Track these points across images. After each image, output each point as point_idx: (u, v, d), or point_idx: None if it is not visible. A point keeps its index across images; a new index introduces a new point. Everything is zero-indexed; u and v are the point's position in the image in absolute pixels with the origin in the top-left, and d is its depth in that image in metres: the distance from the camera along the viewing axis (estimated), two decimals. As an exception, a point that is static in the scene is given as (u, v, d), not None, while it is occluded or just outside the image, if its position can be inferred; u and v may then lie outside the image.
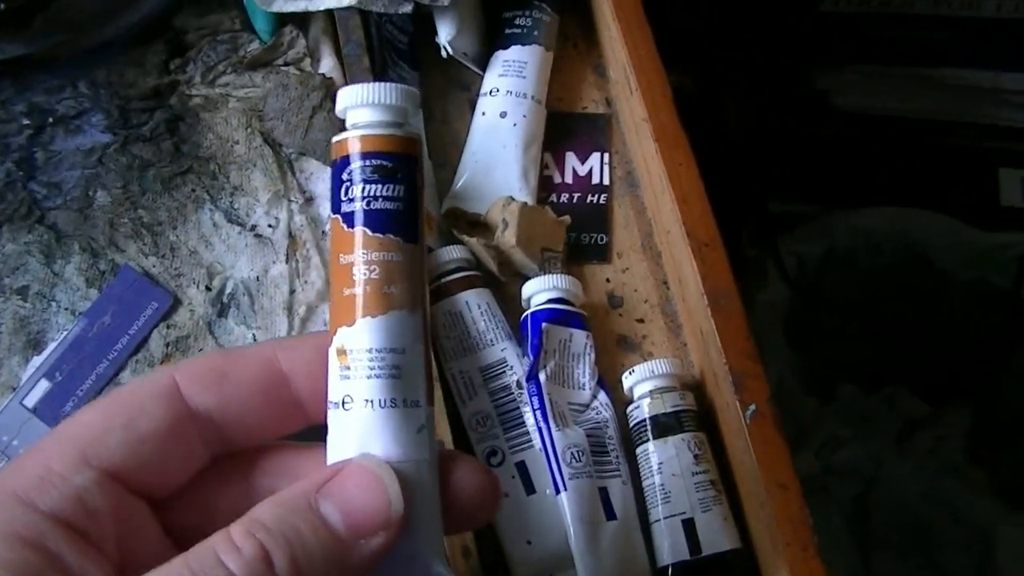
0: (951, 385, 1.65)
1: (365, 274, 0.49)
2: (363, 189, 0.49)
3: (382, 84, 0.51)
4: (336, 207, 0.50)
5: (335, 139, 0.51)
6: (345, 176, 0.50)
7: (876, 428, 1.58)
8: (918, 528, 1.41)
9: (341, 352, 0.49)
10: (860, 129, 1.76)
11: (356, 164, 0.50)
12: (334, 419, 0.49)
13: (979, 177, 1.76)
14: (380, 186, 0.49)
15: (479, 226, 0.91)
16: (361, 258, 0.49)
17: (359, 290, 0.49)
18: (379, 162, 0.50)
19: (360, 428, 0.48)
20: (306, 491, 0.44)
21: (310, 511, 0.43)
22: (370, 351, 0.48)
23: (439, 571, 0.47)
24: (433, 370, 0.56)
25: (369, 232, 0.49)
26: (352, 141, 0.50)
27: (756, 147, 1.70)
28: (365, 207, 0.49)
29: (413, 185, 0.51)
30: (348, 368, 0.48)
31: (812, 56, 1.75)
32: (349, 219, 0.49)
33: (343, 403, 0.48)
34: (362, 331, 0.49)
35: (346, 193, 0.50)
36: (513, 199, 0.90)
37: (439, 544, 0.48)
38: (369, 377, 0.48)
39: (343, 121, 0.53)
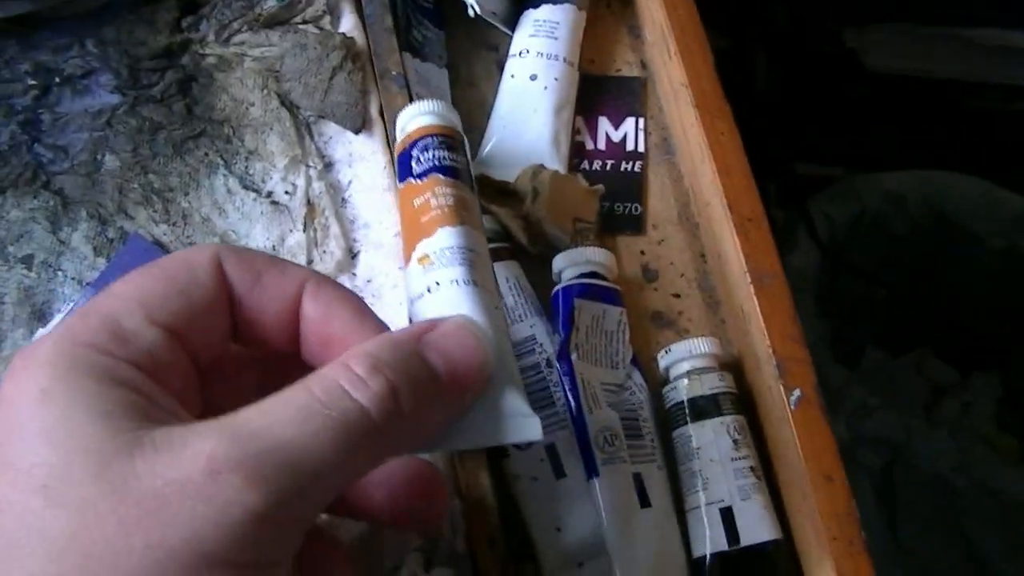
0: (979, 351, 1.62)
1: (443, 201, 0.59)
2: (435, 154, 0.62)
3: (436, 101, 0.65)
4: (406, 174, 0.62)
5: (410, 129, 0.64)
6: (417, 151, 0.62)
7: (904, 395, 1.55)
8: (947, 499, 1.38)
9: (423, 258, 0.57)
10: (890, 90, 1.72)
11: (429, 140, 0.63)
12: (418, 307, 0.56)
13: (1011, 140, 1.72)
14: (450, 152, 0.62)
15: (507, 194, 0.87)
16: (438, 192, 0.60)
17: (437, 212, 0.59)
18: (446, 138, 0.63)
19: (448, 302, 0.54)
20: (413, 338, 0.47)
21: (421, 358, 0.46)
22: (451, 248, 0.57)
23: (518, 422, 0.51)
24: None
25: (443, 177, 0.61)
26: (426, 127, 0.64)
27: (785, 107, 1.66)
28: (439, 163, 0.61)
29: (468, 160, 0.64)
30: (432, 264, 0.56)
31: (843, 15, 1.71)
32: (423, 174, 0.61)
33: (428, 289, 0.56)
34: (442, 236, 0.57)
35: (419, 160, 0.62)
36: (543, 167, 0.86)
37: (517, 400, 0.52)
38: (451, 265, 0.56)
39: (396, 136, 0.67)
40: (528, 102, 0.91)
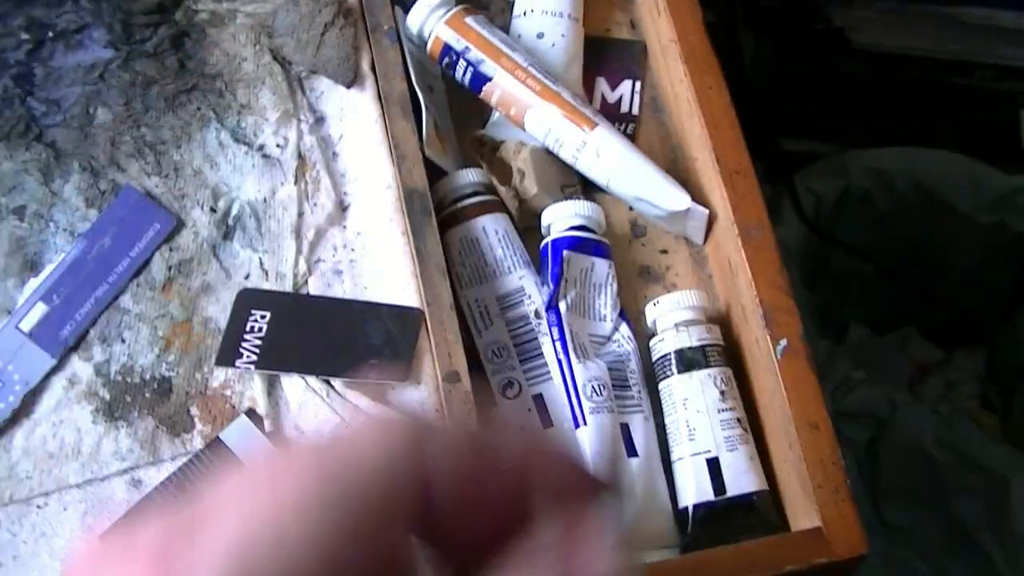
0: (963, 329, 1.63)
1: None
2: None
3: None
4: None
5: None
6: None
7: (888, 371, 1.55)
8: (930, 474, 1.38)
9: None
10: (877, 68, 1.72)
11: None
12: None
13: (999, 119, 1.72)
14: None
15: (497, 153, 0.88)
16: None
17: None
18: None
19: None
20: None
21: None
22: None
23: None
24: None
25: None
26: None
27: (772, 83, 1.66)
28: None
29: None
30: None
31: (831, -8, 1.71)
32: None
33: None
34: None
35: None
36: (523, 143, 0.87)
37: None
38: None
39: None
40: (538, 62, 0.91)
